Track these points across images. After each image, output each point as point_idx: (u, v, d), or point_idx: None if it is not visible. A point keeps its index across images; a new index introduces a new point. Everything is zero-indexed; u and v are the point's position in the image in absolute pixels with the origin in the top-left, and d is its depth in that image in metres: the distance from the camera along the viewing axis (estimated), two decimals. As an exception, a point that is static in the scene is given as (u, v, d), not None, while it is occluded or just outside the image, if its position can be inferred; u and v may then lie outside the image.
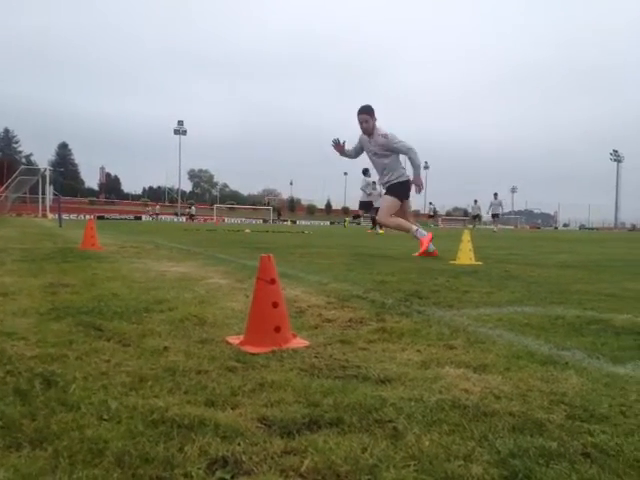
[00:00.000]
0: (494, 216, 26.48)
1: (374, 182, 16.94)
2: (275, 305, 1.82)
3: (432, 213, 43.49)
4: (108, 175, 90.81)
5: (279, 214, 61.06)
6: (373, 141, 6.08)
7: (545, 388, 1.45)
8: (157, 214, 38.05)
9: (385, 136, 6.00)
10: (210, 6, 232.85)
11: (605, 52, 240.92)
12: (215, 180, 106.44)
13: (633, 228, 76.63)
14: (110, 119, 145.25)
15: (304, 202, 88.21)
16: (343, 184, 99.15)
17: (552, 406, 1.32)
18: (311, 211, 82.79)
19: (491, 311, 2.58)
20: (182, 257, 5.53)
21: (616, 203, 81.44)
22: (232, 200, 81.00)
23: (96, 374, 1.50)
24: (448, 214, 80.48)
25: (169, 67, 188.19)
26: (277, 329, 1.81)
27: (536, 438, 1.13)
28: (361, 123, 6.02)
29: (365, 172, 17.42)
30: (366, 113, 6.00)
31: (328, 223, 62.94)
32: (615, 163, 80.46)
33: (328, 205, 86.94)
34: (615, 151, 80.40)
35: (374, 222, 17.50)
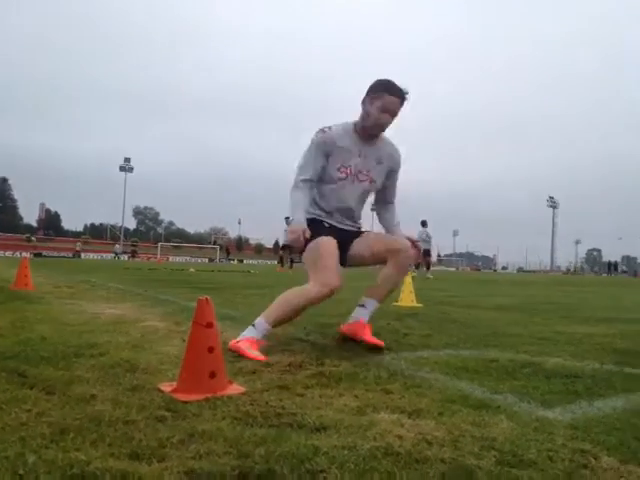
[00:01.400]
0: (424, 254, 17.62)
1: None
2: (211, 350, 1.78)
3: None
4: (48, 211, 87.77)
5: (227, 253, 60.43)
6: (372, 150, 3.00)
7: (477, 433, 1.47)
8: (77, 251, 35.86)
9: (397, 152, 3.15)
10: (157, 43, 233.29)
11: (541, 103, 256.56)
12: (160, 218, 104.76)
13: (567, 271, 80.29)
14: (51, 155, 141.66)
15: (252, 241, 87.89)
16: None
17: (482, 452, 1.34)
18: (259, 250, 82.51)
19: (429, 354, 2.61)
20: (119, 298, 5.35)
21: (552, 247, 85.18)
22: (178, 238, 79.76)
23: (15, 425, 1.41)
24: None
25: (112, 103, 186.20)
26: (212, 375, 1.76)
27: (465, 485, 1.14)
28: (388, 111, 2.84)
29: (287, 219, 19.15)
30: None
31: (276, 262, 62.72)
32: (551, 209, 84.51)
33: (276, 244, 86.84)
34: (551, 197, 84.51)
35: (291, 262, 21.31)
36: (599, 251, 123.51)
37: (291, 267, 20.49)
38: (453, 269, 72.70)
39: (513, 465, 1.26)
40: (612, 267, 73.82)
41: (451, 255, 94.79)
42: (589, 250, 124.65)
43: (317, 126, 2.92)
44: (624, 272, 75.59)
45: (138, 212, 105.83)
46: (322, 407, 1.67)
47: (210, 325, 1.78)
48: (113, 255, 49.46)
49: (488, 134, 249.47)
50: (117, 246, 52.63)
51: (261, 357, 2.37)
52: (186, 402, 1.65)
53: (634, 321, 4.60)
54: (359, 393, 1.84)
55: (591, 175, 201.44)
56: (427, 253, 18.56)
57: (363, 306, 2.98)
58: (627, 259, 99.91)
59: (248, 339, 2.60)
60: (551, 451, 1.36)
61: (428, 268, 18.23)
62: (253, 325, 2.71)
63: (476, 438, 1.43)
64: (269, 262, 58.50)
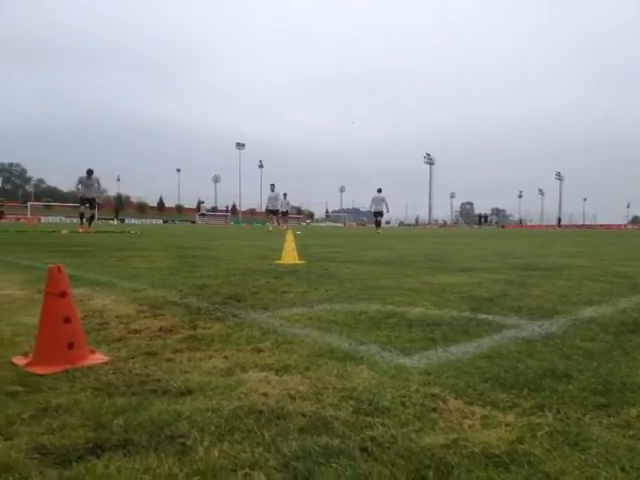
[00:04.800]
0: (273, 212, 21.78)
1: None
2: (67, 320, 1.69)
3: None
4: None
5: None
6: None
7: (338, 384, 1.54)
8: None
9: None
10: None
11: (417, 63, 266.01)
12: (28, 175, 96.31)
13: (444, 224, 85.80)
14: None
15: (134, 199, 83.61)
16: (176, 181, 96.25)
17: (342, 402, 1.40)
18: (142, 209, 78.93)
19: (303, 310, 2.67)
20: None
21: (429, 202, 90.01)
22: (49, 197, 73.85)
23: None
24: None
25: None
26: (70, 346, 1.68)
27: (322, 437, 1.19)
28: None
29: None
30: None
31: (161, 221, 60.68)
32: (428, 165, 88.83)
33: (161, 202, 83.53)
34: (428, 154, 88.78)
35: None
36: (471, 204, 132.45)
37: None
38: (340, 225, 74.66)
39: (369, 413, 1.34)
40: (482, 219, 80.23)
41: (339, 211, 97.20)
42: (462, 203, 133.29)
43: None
44: (496, 223, 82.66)
45: (2, 169, 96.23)
46: (190, 371, 1.65)
47: (64, 294, 1.68)
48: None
49: (366, 95, 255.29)
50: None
51: None
52: (42, 375, 1.56)
53: (492, 270, 5.02)
54: (229, 354, 1.85)
55: (463, 133, 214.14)
56: (276, 212, 22.06)
57: None
58: (496, 211, 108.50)
59: None
60: (404, 397, 1.45)
61: (378, 226, 21.64)
62: None
63: (337, 389, 1.50)
64: (154, 221, 56.43)
